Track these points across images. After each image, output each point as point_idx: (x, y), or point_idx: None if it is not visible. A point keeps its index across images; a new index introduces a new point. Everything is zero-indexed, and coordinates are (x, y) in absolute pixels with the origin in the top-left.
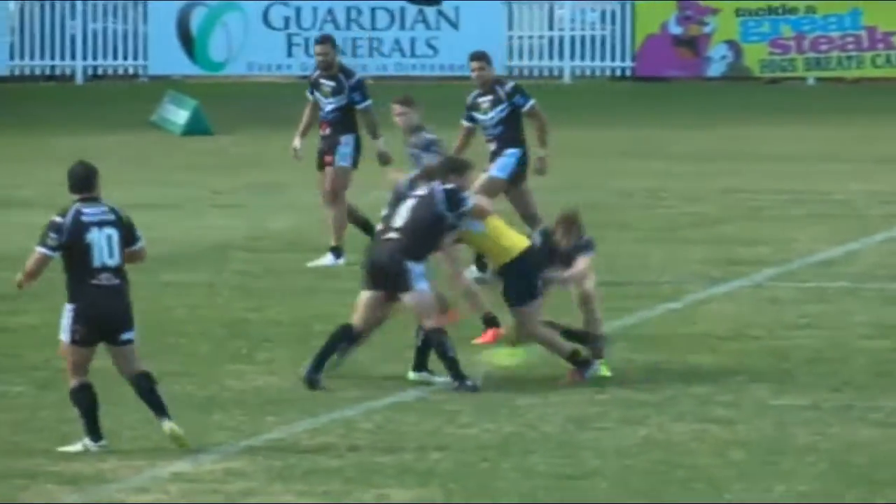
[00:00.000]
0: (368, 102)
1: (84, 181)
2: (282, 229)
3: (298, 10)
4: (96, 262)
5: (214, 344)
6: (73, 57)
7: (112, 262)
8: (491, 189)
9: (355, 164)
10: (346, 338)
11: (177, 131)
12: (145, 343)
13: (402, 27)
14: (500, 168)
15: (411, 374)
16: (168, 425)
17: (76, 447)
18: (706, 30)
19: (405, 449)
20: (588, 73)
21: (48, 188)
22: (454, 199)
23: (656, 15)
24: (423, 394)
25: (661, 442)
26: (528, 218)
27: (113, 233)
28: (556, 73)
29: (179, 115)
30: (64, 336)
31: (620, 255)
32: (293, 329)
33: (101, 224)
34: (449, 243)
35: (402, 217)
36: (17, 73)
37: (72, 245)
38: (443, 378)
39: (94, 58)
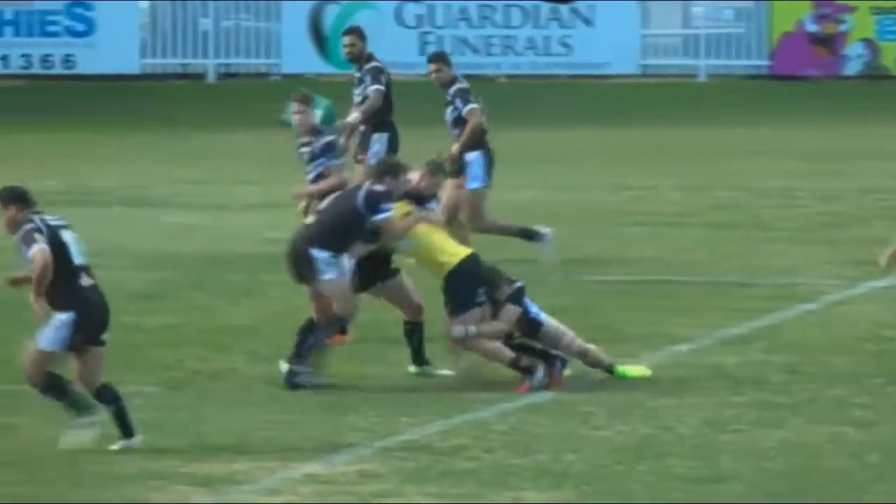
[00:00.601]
0: (374, 87)
1: (29, 195)
2: None
3: (431, 9)
4: (76, 261)
5: (352, 344)
6: (205, 55)
7: (85, 261)
8: (476, 202)
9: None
10: (309, 330)
11: None
12: (285, 347)
13: (536, 25)
14: (472, 179)
15: (412, 369)
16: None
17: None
18: (842, 28)
19: (539, 451)
20: (723, 71)
21: (181, 187)
22: (370, 202)
23: (792, 12)
24: (557, 395)
25: (798, 444)
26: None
27: (75, 233)
28: (690, 71)
29: (312, 114)
30: (51, 345)
31: (756, 255)
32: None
33: (65, 227)
34: (359, 252)
35: (323, 205)
36: (149, 71)
37: (52, 246)
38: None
39: (227, 56)
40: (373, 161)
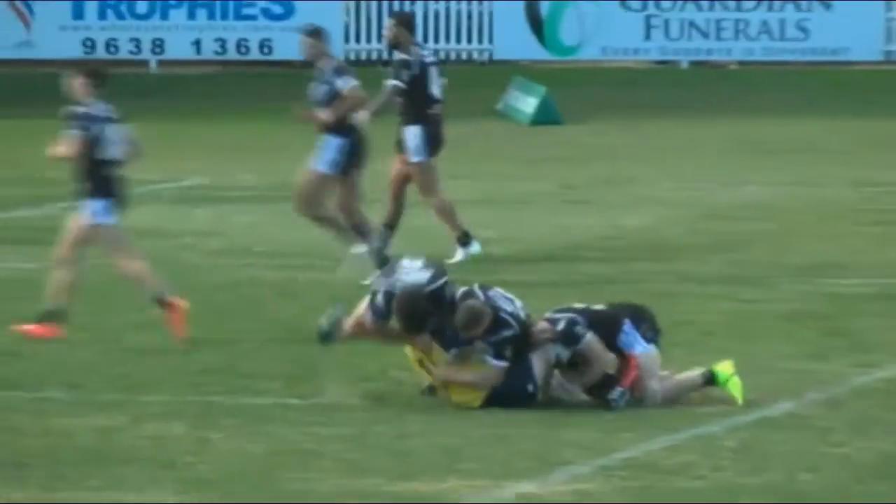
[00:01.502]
0: (392, 83)
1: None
2: (638, 227)
3: None
4: None
5: None
6: None
7: None
8: (314, 184)
9: (430, 154)
10: None
11: (525, 120)
12: None
13: (771, 8)
14: (321, 161)
15: None
16: None
17: None
18: None
19: (772, 469)
20: None
21: (383, 183)
22: None
23: None
24: (792, 408)
25: None
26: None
27: None
28: None
29: (527, 104)
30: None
31: None
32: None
33: None
34: None
35: None
36: (352, 57)
37: None
38: None
39: (436, 41)
40: (415, 158)
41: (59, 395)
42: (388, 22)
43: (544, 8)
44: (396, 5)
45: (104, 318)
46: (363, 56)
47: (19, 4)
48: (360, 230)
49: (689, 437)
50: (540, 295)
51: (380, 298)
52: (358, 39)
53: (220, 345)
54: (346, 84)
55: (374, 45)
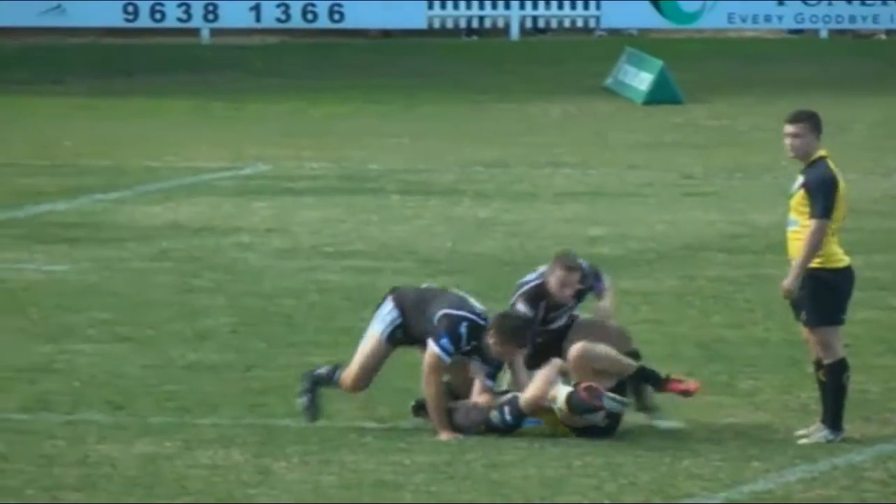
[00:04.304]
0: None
1: None
2: (770, 224)
3: None
4: None
5: (686, 368)
6: (506, 6)
7: None
8: None
9: None
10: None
11: (637, 99)
12: None
13: None
14: None
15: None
16: None
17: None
18: None
19: None
20: None
21: (474, 171)
22: None
23: None
24: None
25: None
26: None
27: None
28: None
29: (641, 79)
30: None
31: None
32: (783, 350)
33: None
34: None
35: None
36: (436, 26)
37: None
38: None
39: (535, 7)
40: None
41: (99, 418)
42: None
43: None
44: None
45: (149, 329)
46: (449, 25)
47: None
48: None
49: (830, 466)
50: (657, 304)
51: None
52: (444, 5)
53: (284, 360)
54: None
55: (462, 11)
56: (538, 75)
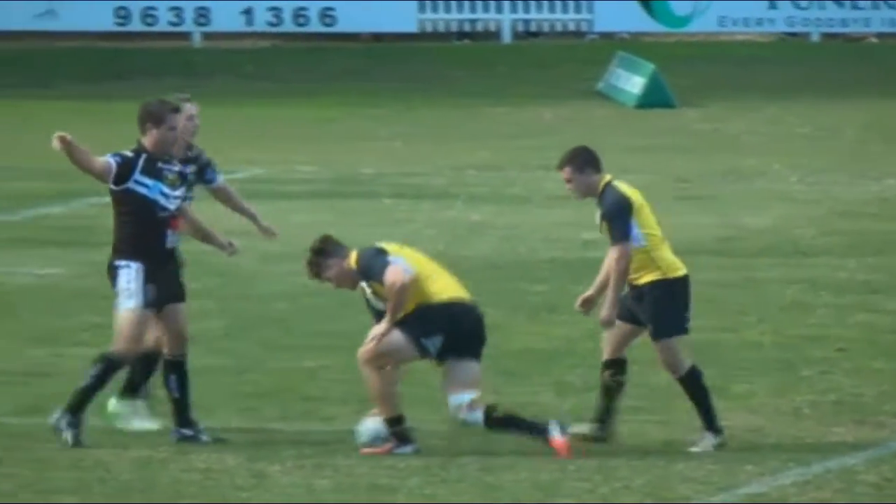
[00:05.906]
0: None
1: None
2: (762, 227)
3: None
4: None
5: None
6: (498, 10)
7: None
8: None
9: None
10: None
11: (630, 103)
12: (582, 371)
13: None
14: None
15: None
16: None
17: None
18: None
19: None
20: None
21: (466, 175)
22: None
23: None
24: None
25: None
26: None
27: None
28: None
29: (633, 83)
30: None
31: None
32: (776, 354)
33: None
34: None
35: None
36: (427, 29)
37: None
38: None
39: (526, 10)
40: None
41: (93, 422)
42: None
43: None
44: None
45: None
46: (440, 28)
47: None
48: None
49: (823, 469)
50: None
51: None
52: (435, 8)
53: (277, 363)
54: None
55: (454, 14)
56: (530, 79)
